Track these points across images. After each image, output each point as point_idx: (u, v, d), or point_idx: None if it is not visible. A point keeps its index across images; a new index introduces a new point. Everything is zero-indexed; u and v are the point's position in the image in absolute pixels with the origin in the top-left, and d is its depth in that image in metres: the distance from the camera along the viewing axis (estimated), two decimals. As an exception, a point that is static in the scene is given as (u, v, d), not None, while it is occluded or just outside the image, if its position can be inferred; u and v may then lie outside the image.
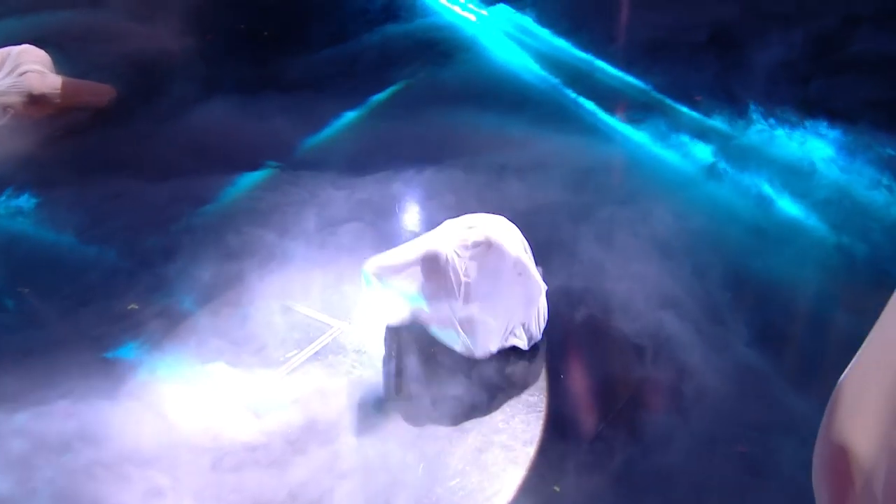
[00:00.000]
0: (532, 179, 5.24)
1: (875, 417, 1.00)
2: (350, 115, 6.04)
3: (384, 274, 4.01)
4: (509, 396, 3.97)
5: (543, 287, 4.22)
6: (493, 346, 4.05)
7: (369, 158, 5.46)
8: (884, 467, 0.96)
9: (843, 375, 1.11)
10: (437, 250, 3.92)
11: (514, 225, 4.20)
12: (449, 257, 3.90)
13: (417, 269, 3.95)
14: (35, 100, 6.05)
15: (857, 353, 1.09)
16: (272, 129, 5.76)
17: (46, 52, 6.19)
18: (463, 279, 3.93)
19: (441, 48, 6.73)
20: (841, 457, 1.03)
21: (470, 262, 3.94)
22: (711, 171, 5.39)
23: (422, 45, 6.72)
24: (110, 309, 4.38)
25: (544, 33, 6.88)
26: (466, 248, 3.97)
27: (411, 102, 6.08)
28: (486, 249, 3.97)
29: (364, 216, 4.98)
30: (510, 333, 4.10)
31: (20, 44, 6.13)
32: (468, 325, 3.98)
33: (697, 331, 4.23)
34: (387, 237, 4.73)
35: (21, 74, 6.07)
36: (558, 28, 6.85)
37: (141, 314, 4.34)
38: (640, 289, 4.44)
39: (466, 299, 3.94)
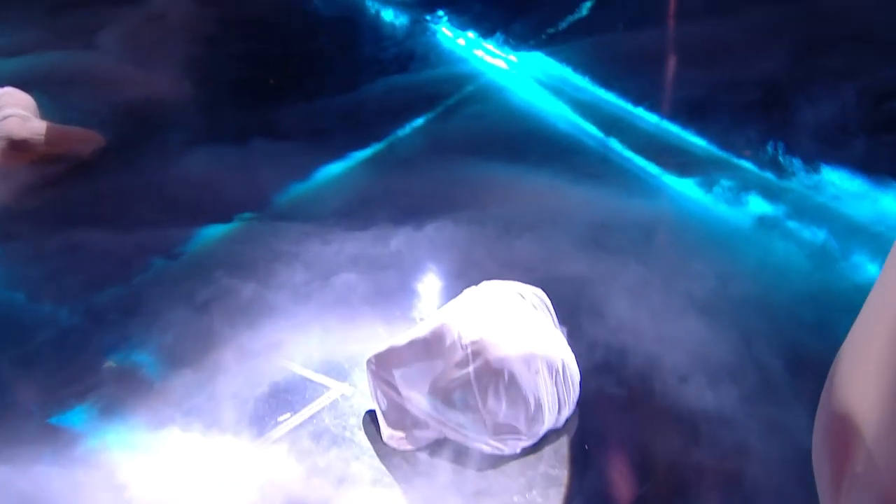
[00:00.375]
0: (553, 234, 4.74)
1: (875, 381, 0.94)
2: (342, 166, 5.59)
3: (388, 373, 3.60)
4: (528, 467, 3.49)
5: (571, 354, 3.75)
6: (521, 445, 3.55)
7: (364, 211, 4.98)
8: (884, 431, 0.89)
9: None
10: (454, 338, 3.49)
11: (534, 287, 3.79)
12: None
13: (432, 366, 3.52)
14: (16, 146, 5.65)
15: (857, 319, 1.03)
16: (255, 178, 5.34)
17: (31, 95, 5.86)
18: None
19: (456, 96, 6.34)
20: (840, 425, 0.98)
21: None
22: (761, 226, 4.87)
23: (433, 94, 6.30)
24: (58, 370, 3.91)
25: (581, 81, 6.50)
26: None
27: (414, 153, 5.65)
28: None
29: (357, 270, 4.49)
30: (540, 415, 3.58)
31: (2, 87, 5.82)
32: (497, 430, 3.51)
33: (745, 408, 3.66)
34: (385, 293, 4.26)
35: (1, 119, 5.71)
36: (598, 78, 6.47)
37: (95, 375, 3.86)
38: (679, 357, 3.87)
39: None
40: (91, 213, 5.05)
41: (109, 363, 3.97)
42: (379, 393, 3.63)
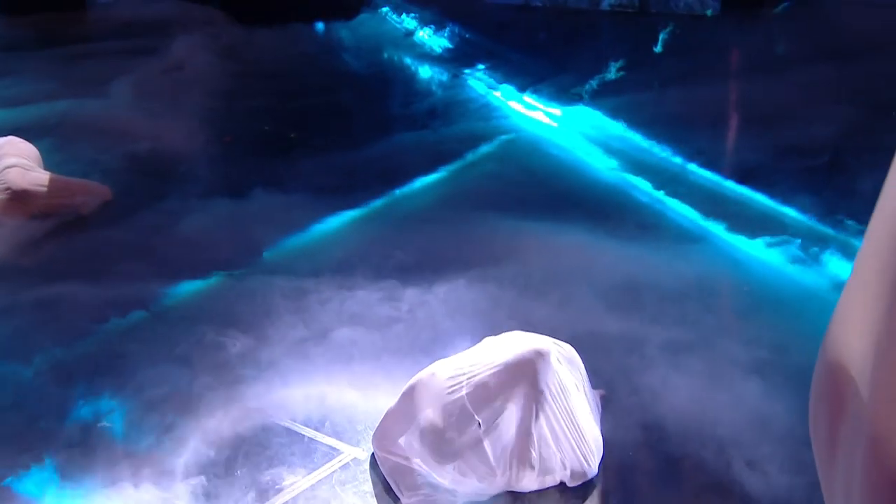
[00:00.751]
0: (584, 291, 4.32)
1: (868, 320, 0.87)
2: (342, 220, 5.25)
3: (393, 444, 3.28)
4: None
5: (598, 411, 3.44)
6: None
7: (364, 268, 4.60)
8: (872, 363, 0.84)
9: None
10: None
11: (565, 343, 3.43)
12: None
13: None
14: (17, 196, 5.39)
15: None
16: (250, 233, 5.02)
17: (40, 144, 5.65)
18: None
19: (485, 149, 6.05)
20: (834, 371, 0.91)
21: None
22: (832, 289, 4.39)
23: (459, 149, 6.03)
24: (16, 432, 3.54)
25: (634, 137, 6.18)
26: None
27: (434, 208, 5.31)
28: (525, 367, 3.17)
29: (357, 327, 4.11)
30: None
31: (6, 135, 5.61)
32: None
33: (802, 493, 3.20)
34: (392, 351, 3.86)
35: (2, 169, 5.49)
36: (647, 132, 6.15)
37: (57, 437, 3.47)
38: (723, 430, 3.46)
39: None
40: (72, 268, 4.75)
41: (104, 423, 3.60)
42: (388, 467, 3.30)
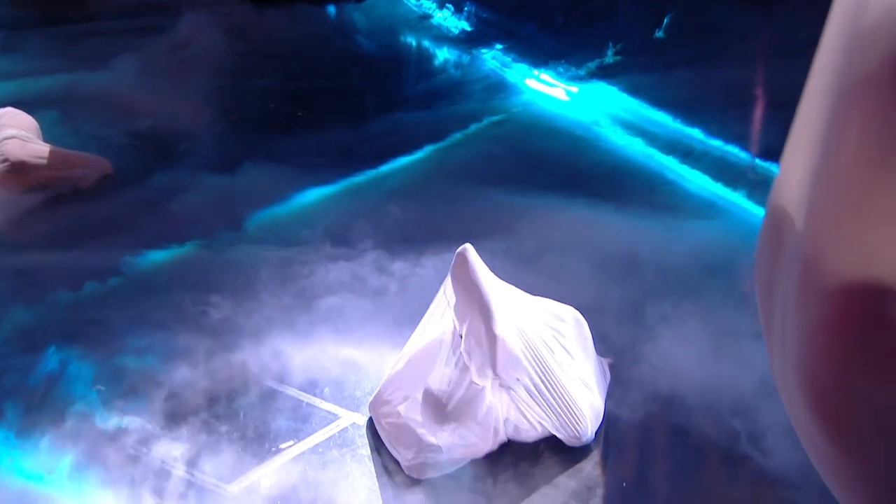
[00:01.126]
0: (586, 259, 4.23)
1: (807, 163, 0.89)
2: (332, 190, 5.18)
3: (392, 409, 3.25)
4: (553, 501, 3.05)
5: (607, 376, 3.44)
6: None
7: (354, 240, 4.51)
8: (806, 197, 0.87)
9: None
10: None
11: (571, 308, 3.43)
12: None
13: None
14: (14, 168, 5.39)
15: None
16: (237, 205, 4.97)
17: (39, 119, 5.63)
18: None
19: (489, 127, 5.96)
20: (775, 214, 0.94)
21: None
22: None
23: (456, 127, 5.94)
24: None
25: (651, 114, 6.08)
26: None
27: (423, 183, 5.22)
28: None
29: (346, 295, 4.03)
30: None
31: (5, 107, 5.60)
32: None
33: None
34: (383, 318, 3.80)
35: (1, 140, 5.48)
36: (670, 111, 6.04)
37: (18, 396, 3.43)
38: (728, 398, 3.36)
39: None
40: (56, 238, 4.74)
41: (98, 387, 3.56)
42: (387, 432, 3.29)
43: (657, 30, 7.24)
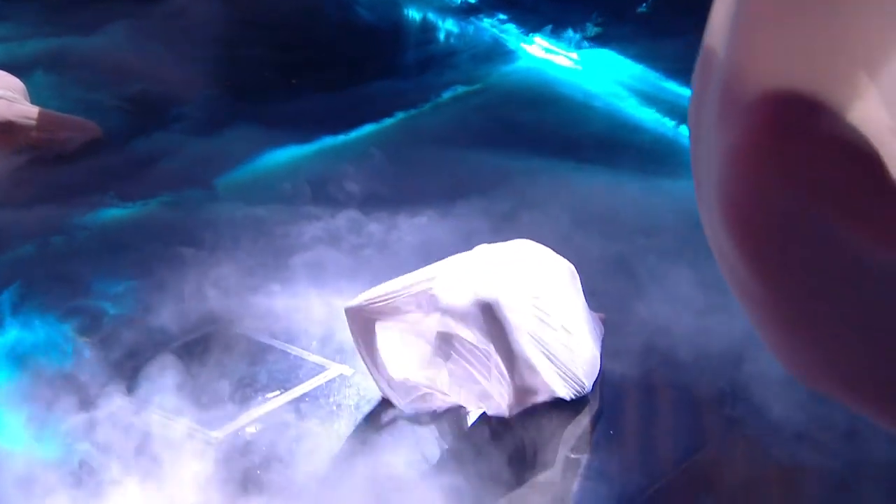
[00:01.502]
0: (571, 217, 4.27)
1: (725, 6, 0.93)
2: (302, 151, 5.24)
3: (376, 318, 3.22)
4: (547, 452, 3.12)
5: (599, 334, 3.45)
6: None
7: (326, 200, 4.54)
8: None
9: None
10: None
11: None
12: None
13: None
14: (2, 128, 5.42)
15: None
16: (212, 165, 5.07)
17: (27, 82, 5.65)
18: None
19: (475, 93, 5.99)
20: (704, 54, 0.97)
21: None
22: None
23: (442, 93, 6.00)
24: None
25: (651, 77, 6.09)
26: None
27: (400, 145, 5.27)
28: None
29: (329, 251, 4.07)
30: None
31: (-1, 70, 5.63)
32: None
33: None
34: (364, 271, 3.83)
35: (-14, 101, 5.50)
36: (671, 75, 6.05)
37: None
38: (715, 343, 3.42)
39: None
40: (30, 199, 4.84)
41: (84, 338, 3.60)
42: (385, 380, 3.29)
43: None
